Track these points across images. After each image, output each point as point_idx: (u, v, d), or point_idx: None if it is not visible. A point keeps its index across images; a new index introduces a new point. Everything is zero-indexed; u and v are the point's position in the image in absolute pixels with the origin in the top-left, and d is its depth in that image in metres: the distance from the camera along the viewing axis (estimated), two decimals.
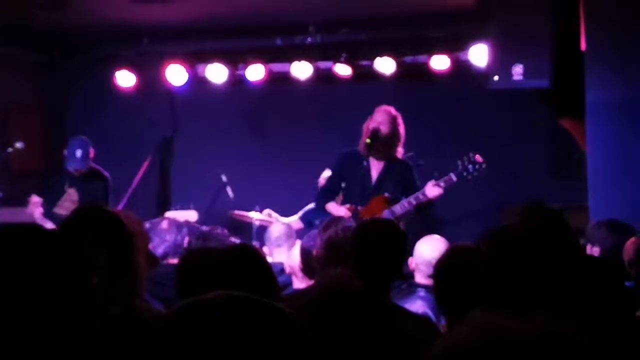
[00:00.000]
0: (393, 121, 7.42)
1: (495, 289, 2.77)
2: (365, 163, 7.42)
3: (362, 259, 3.95)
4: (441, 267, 3.60)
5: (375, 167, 7.45)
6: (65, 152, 8.28)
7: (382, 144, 7.37)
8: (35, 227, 1.99)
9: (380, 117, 7.42)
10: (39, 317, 1.78)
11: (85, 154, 8.23)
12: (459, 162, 7.18)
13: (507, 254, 2.81)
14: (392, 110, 7.52)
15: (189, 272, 3.37)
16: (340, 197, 7.48)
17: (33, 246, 1.85)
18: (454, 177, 7.09)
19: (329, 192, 7.57)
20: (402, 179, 7.32)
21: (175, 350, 1.37)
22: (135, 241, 2.97)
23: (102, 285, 1.89)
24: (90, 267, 1.86)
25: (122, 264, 2.89)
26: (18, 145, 8.63)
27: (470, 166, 7.16)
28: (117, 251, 2.89)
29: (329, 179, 7.83)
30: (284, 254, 6.38)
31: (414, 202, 7.09)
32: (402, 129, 7.46)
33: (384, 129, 7.36)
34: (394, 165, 7.40)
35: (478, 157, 7.18)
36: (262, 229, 7.98)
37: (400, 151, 7.47)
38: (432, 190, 7.04)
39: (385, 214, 7.08)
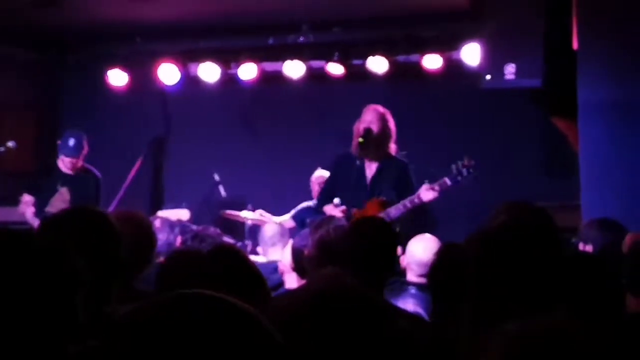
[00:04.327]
0: (382, 119, 7.39)
1: (484, 287, 2.77)
2: (358, 163, 7.39)
3: (354, 258, 3.95)
4: (435, 265, 3.62)
5: (370, 167, 7.41)
6: (59, 142, 8.27)
7: (375, 143, 7.34)
8: (13, 234, 1.92)
9: (370, 117, 7.39)
10: (14, 333, 1.73)
11: (78, 144, 8.19)
12: (454, 166, 7.10)
13: (492, 252, 2.81)
14: (380, 107, 7.49)
15: (171, 272, 3.35)
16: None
17: (8, 256, 1.79)
18: (448, 182, 7.05)
19: (326, 195, 7.55)
20: (397, 178, 7.26)
21: (134, 351, 1.34)
22: (120, 242, 2.95)
23: (84, 295, 1.84)
24: (72, 277, 1.81)
25: (107, 267, 2.86)
26: (10, 144, 8.60)
27: (464, 170, 7.11)
28: (102, 254, 2.87)
29: (326, 182, 7.81)
30: (278, 252, 6.43)
31: (409, 206, 7.05)
32: (392, 125, 7.43)
33: (375, 128, 7.34)
34: (388, 164, 7.37)
35: (471, 162, 7.13)
36: (254, 228, 7.98)
37: (393, 147, 7.44)
38: (427, 194, 7.00)
39: (382, 217, 7.07)
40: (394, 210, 7.07)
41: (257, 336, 1.35)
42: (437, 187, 7.01)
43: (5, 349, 1.72)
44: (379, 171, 7.38)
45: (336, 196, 7.36)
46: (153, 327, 1.33)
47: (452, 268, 3.62)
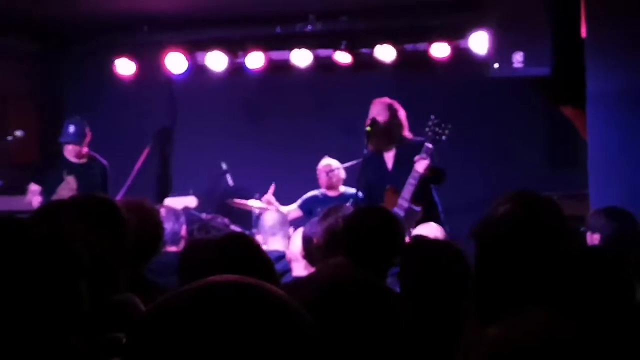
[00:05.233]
0: (389, 109, 7.46)
1: (488, 278, 2.76)
2: (379, 157, 7.48)
3: (355, 247, 3.98)
4: (405, 261, 3.63)
5: (389, 157, 7.50)
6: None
7: (385, 133, 7.42)
8: (9, 221, 1.90)
9: (376, 109, 7.47)
10: (12, 322, 1.71)
11: (79, 131, 8.21)
12: (427, 130, 7.27)
13: (496, 242, 2.79)
14: (386, 99, 7.56)
15: (191, 262, 3.36)
16: None
17: (5, 243, 1.78)
18: (429, 145, 7.19)
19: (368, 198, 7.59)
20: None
21: (168, 340, 1.33)
22: (127, 229, 2.94)
23: (89, 284, 1.82)
24: (72, 265, 1.79)
25: (115, 255, 2.85)
26: (18, 133, 8.62)
27: (436, 128, 7.24)
28: (110, 241, 2.86)
29: (361, 185, 7.78)
30: (279, 241, 6.45)
31: (413, 182, 7.15)
32: (401, 113, 7.50)
33: (382, 118, 7.41)
34: (406, 149, 7.42)
35: (436, 119, 7.26)
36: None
37: (408, 134, 7.50)
38: (420, 165, 7.14)
39: (400, 202, 7.14)
40: (406, 192, 7.16)
41: (290, 317, 1.36)
42: (424, 155, 7.16)
43: (3, 338, 1.70)
44: (396, 159, 7.47)
45: (367, 193, 7.42)
46: (188, 315, 1.33)
47: (422, 262, 3.64)
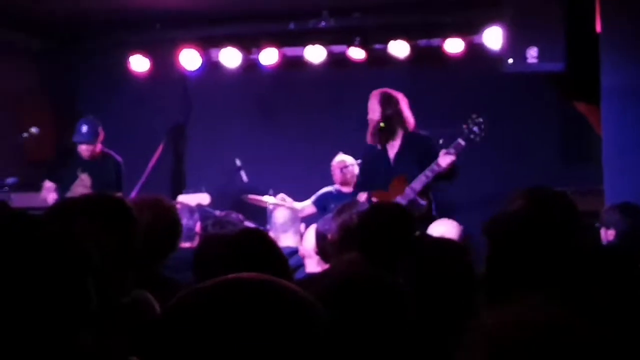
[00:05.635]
0: (384, 102, 7.38)
1: (500, 272, 2.76)
2: (381, 148, 7.43)
3: (369, 243, 3.98)
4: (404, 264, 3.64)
5: (392, 148, 7.45)
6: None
7: (387, 127, 7.38)
8: (19, 217, 1.89)
9: (372, 104, 7.41)
10: (19, 318, 1.71)
11: (92, 131, 8.25)
12: (464, 126, 7.22)
13: (508, 239, 2.79)
14: (379, 92, 7.46)
15: (206, 258, 3.37)
16: None
17: (15, 239, 1.76)
18: (462, 142, 7.14)
19: (361, 188, 7.61)
20: (421, 153, 7.25)
21: (185, 336, 1.34)
22: (136, 229, 2.93)
23: (97, 282, 1.82)
24: (81, 262, 1.79)
25: (123, 255, 2.84)
26: (33, 130, 8.65)
27: (475, 128, 7.19)
28: (118, 241, 2.84)
29: (360, 174, 7.84)
30: (290, 238, 6.48)
31: (430, 175, 7.10)
32: (401, 104, 7.38)
33: (378, 112, 7.35)
34: (408, 141, 7.38)
35: (479, 118, 7.21)
36: None
37: (411, 123, 7.41)
38: (445, 159, 7.07)
39: (407, 192, 7.10)
40: (418, 183, 7.12)
41: (307, 313, 1.37)
42: (452, 150, 7.11)
43: (11, 335, 1.70)
44: (400, 149, 7.41)
45: (368, 185, 7.41)
46: (206, 313, 1.34)
47: (423, 262, 3.64)
